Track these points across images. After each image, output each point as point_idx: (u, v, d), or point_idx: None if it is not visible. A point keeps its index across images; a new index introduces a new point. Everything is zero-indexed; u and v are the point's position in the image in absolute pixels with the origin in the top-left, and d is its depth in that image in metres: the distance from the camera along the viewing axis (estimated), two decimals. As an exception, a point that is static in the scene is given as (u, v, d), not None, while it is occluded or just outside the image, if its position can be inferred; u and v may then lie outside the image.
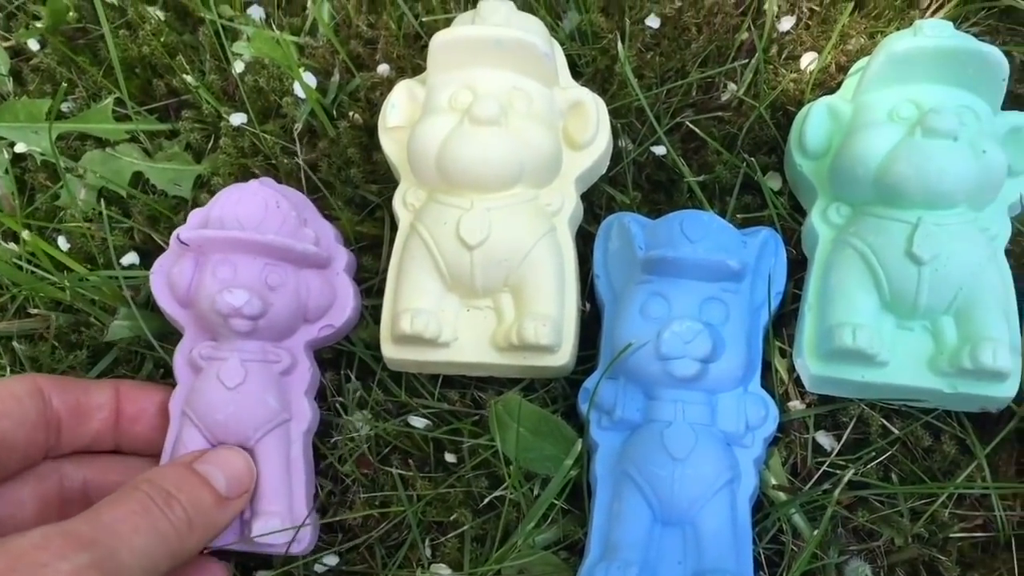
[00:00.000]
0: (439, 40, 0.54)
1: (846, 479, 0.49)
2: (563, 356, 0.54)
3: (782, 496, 0.52)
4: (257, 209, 0.53)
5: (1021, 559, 0.50)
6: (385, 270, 0.57)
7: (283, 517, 0.51)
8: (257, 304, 0.51)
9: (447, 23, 0.62)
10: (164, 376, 0.59)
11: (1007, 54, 0.56)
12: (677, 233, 0.52)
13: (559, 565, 0.52)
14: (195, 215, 0.55)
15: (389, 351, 0.55)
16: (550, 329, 0.52)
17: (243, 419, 0.51)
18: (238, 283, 0.51)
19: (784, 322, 0.56)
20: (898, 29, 0.62)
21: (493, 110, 0.52)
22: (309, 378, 0.54)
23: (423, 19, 0.64)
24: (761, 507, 0.52)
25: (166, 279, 0.54)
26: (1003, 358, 0.48)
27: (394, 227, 0.58)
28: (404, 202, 0.57)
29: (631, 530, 0.49)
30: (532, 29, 0.56)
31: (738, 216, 0.58)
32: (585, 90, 0.57)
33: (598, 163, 0.58)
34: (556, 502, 0.53)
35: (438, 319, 0.53)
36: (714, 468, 0.49)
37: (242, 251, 0.52)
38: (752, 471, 0.51)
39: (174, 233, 0.54)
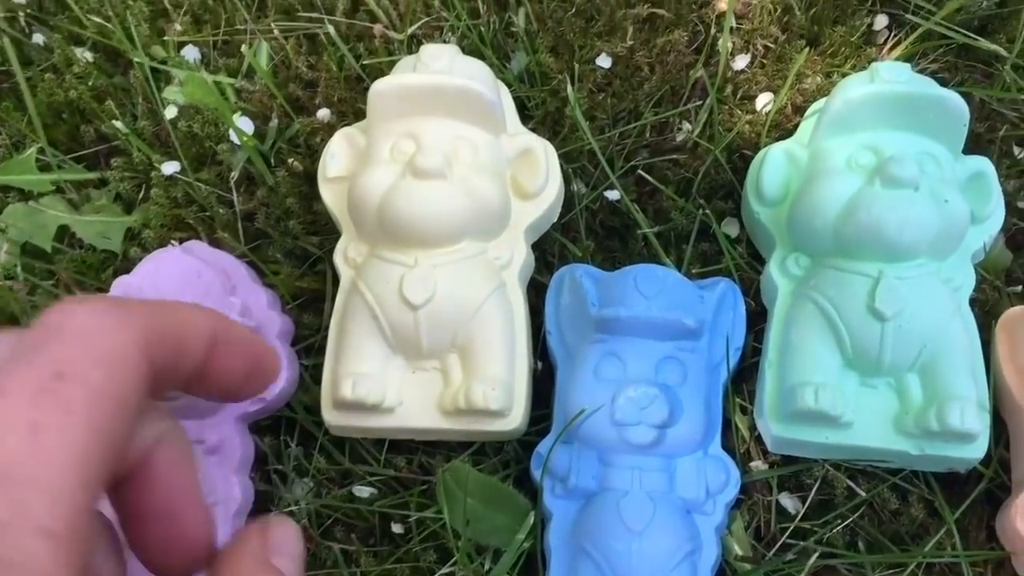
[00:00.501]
0: (378, 89, 0.51)
1: (812, 560, 0.46)
2: (514, 420, 0.51)
3: (746, 567, 0.49)
4: (177, 280, 0.50)
5: (993, 628, 0.48)
6: (327, 328, 0.54)
7: None
8: None
9: (390, 66, 0.60)
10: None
11: (966, 94, 0.54)
12: (631, 289, 0.50)
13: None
14: (118, 284, 0.52)
15: (330, 417, 0.52)
16: (500, 392, 0.50)
17: None
18: None
19: (744, 376, 0.54)
20: (854, 67, 0.60)
21: (436, 162, 0.49)
22: (239, 456, 0.51)
23: (365, 61, 0.61)
24: (723, 574, 0.50)
25: None
26: (971, 419, 0.46)
27: (336, 282, 0.55)
28: (345, 257, 0.54)
29: None
30: (477, 75, 0.53)
31: (696, 265, 0.56)
32: (534, 137, 0.54)
33: (549, 212, 0.55)
34: None
35: (382, 383, 0.50)
36: (674, 540, 0.47)
37: None
38: (713, 539, 0.48)
39: None
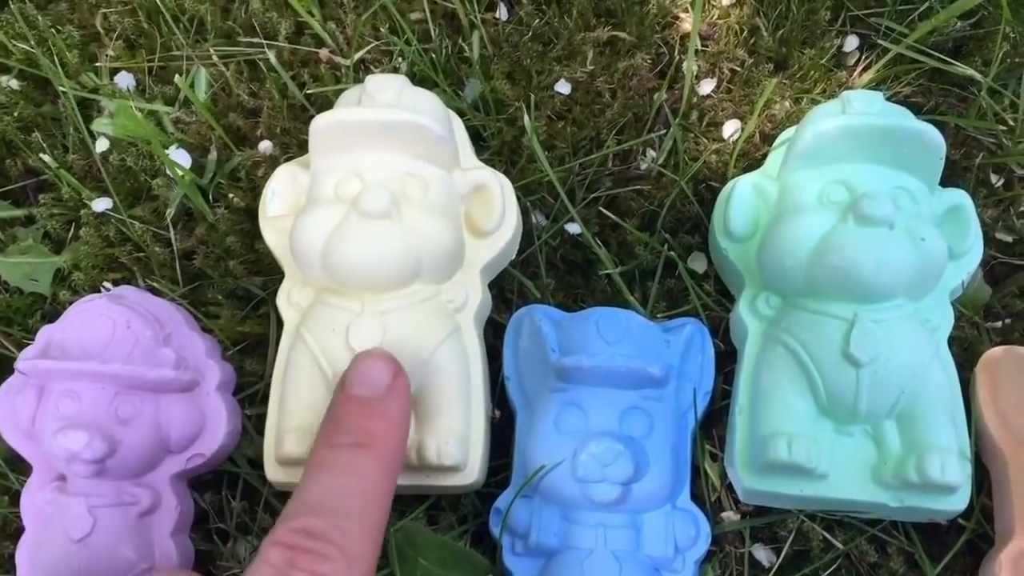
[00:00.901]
0: (319, 125, 0.47)
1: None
2: (471, 474, 0.48)
3: (717, 625, 0.47)
4: (103, 332, 0.46)
5: None
6: (271, 375, 0.50)
7: None
8: (100, 447, 0.44)
9: (336, 94, 0.56)
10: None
11: (940, 122, 0.52)
12: (593, 335, 0.47)
13: None
14: (43, 333, 0.48)
15: (275, 475, 0.48)
16: (454, 447, 0.46)
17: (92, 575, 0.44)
18: (81, 419, 0.45)
19: (714, 420, 0.51)
20: (824, 92, 0.58)
21: (382, 202, 0.46)
22: (176, 516, 0.48)
23: (309, 90, 0.58)
24: (695, 632, 0.47)
25: (10, 409, 0.47)
26: (952, 471, 0.43)
27: (280, 325, 0.51)
28: (289, 301, 0.50)
29: None
30: (427, 107, 0.50)
31: (662, 303, 0.53)
32: (488, 172, 0.51)
33: (506, 250, 0.52)
34: (467, 641, 0.47)
35: None
36: None
37: (87, 381, 0.45)
38: None
39: (20, 356, 0.47)
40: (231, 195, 0.56)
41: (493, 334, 0.53)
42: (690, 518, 0.47)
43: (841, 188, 0.47)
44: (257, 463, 0.50)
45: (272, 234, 0.51)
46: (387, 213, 0.46)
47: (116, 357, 0.46)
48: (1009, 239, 0.54)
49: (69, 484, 0.47)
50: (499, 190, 0.51)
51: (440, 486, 0.48)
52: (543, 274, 0.54)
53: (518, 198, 0.55)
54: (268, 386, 0.50)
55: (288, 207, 0.51)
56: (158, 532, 0.48)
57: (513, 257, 0.54)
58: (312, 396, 0.47)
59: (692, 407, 0.48)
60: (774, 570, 0.48)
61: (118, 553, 0.46)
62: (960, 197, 0.50)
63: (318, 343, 0.47)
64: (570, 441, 0.45)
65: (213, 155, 0.57)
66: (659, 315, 0.53)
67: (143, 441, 0.47)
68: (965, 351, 0.51)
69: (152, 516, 0.48)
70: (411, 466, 0.47)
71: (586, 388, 0.46)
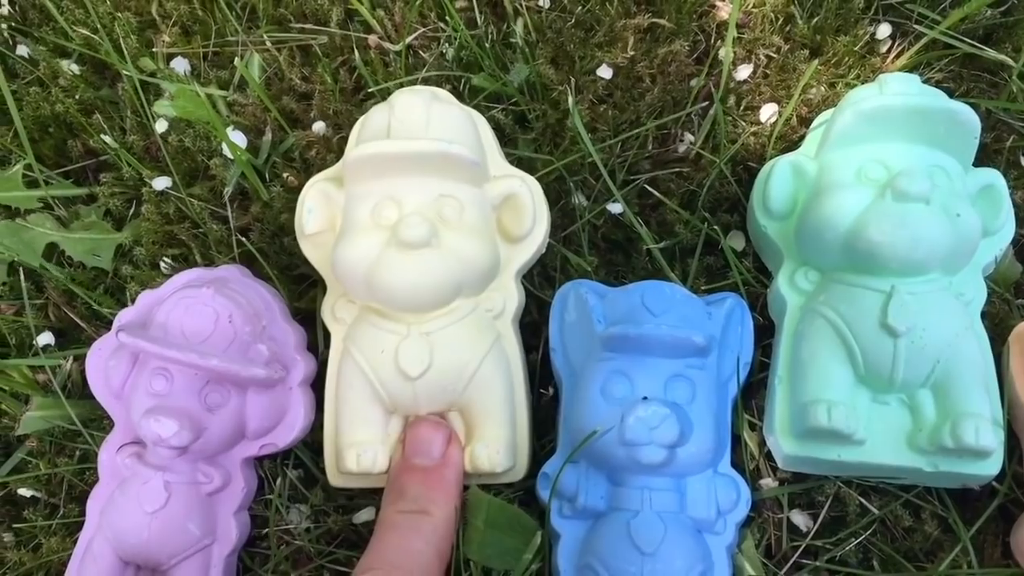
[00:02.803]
0: (355, 157, 0.48)
1: None
2: (519, 472, 0.51)
3: (758, 585, 0.49)
4: (206, 323, 0.48)
5: (1010, 647, 0.47)
6: (323, 362, 0.52)
7: None
8: (187, 436, 0.47)
9: (385, 77, 0.58)
10: (86, 471, 0.54)
11: (973, 106, 0.53)
12: (638, 306, 0.49)
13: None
14: (144, 297, 0.50)
15: (337, 482, 0.51)
16: (504, 455, 0.49)
17: (158, 546, 0.47)
18: (171, 402, 0.47)
19: (752, 392, 0.53)
20: (858, 77, 0.59)
21: (423, 233, 0.46)
22: (242, 497, 0.50)
23: (360, 72, 0.60)
24: (736, 593, 0.49)
25: (103, 366, 0.50)
26: (986, 436, 0.45)
27: (327, 333, 0.53)
28: (334, 315, 0.52)
29: None
30: (456, 125, 0.50)
31: (701, 280, 0.55)
32: (517, 180, 0.52)
33: (538, 252, 0.54)
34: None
35: (385, 451, 0.49)
36: (685, 561, 0.46)
37: (183, 366, 0.48)
38: (724, 559, 0.48)
39: (118, 318, 0.49)
40: (285, 174, 0.58)
41: (538, 311, 0.55)
42: (731, 483, 0.49)
43: (879, 166, 0.49)
44: (313, 447, 0.53)
45: (312, 250, 0.53)
46: (427, 243, 0.47)
47: (215, 349, 0.48)
48: (1039, 219, 0.55)
49: (148, 454, 0.49)
50: (529, 196, 0.51)
51: (488, 483, 0.51)
52: (586, 252, 0.56)
53: (562, 179, 0.58)
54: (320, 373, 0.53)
55: (325, 223, 0.52)
56: (223, 510, 0.50)
57: (543, 252, 0.55)
58: (366, 413, 0.50)
59: (734, 376, 0.50)
60: (811, 534, 0.50)
61: (186, 530, 0.48)
62: (993, 176, 0.51)
63: (368, 363, 0.49)
64: (616, 408, 0.47)
65: (268, 136, 0.59)
66: (700, 291, 0.54)
67: (224, 430, 0.49)
68: (996, 326, 0.52)
69: (220, 495, 0.50)
70: (465, 473, 0.49)
71: (632, 357, 0.48)
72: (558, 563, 0.48)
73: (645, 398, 0.47)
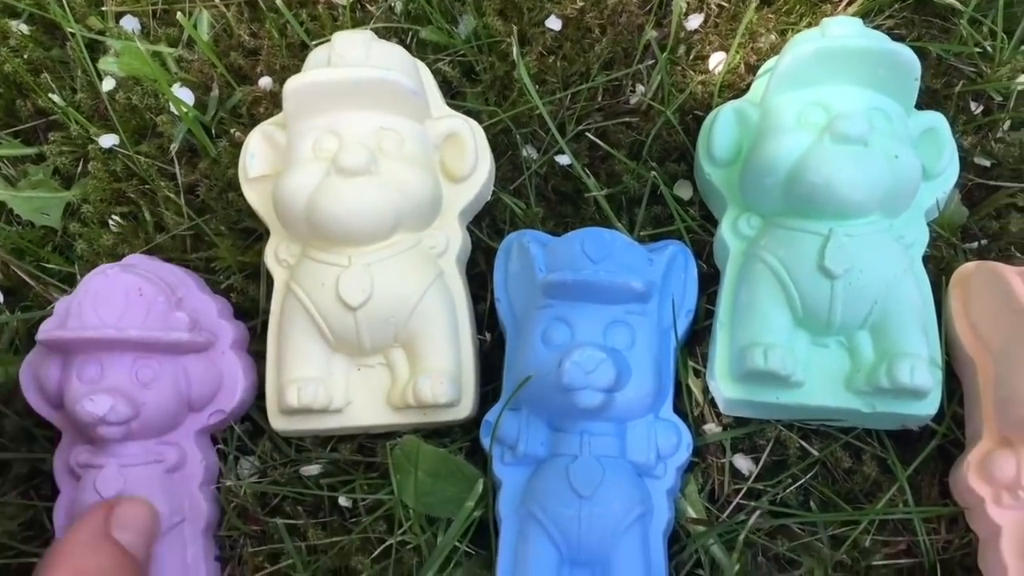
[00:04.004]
0: (292, 87, 0.48)
1: (753, 517, 0.46)
2: (464, 409, 0.50)
3: (699, 529, 0.49)
4: (117, 301, 0.48)
5: (947, 585, 0.47)
6: (266, 311, 0.53)
7: None
8: (123, 410, 0.46)
9: (333, 31, 0.58)
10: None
11: (921, 50, 0.53)
12: (578, 253, 0.49)
13: (466, 613, 0.49)
14: (59, 305, 0.50)
15: (279, 423, 0.51)
16: (447, 386, 0.49)
17: None
18: (104, 384, 0.47)
19: (698, 340, 0.53)
20: (809, 25, 0.59)
21: (361, 159, 0.47)
22: (203, 470, 0.50)
23: (308, 27, 0.60)
24: (678, 539, 0.49)
25: (34, 379, 0.50)
26: (921, 375, 0.45)
27: (270, 281, 0.53)
28: (277, 258, 0.52)
29: (537, 573, 0.46)
30: (395, 62, 0.51)
31: (647, 230, 0.55)
32: (460, 119, 0.53)
33: (481, 193, 0.54)
34: (459, 545, 0.49)
35: (327, 386, 0.49)
36: (623, 504, 0.46)
37: (107, 348, 0.48)
38: (665, 503, 0.48)
39: (39, 331, 0.49)
40: (233, 130, 0.58)
41: (485, 262, 0.55)
42: (672, 428, 0.49)
43: (819, 109, 0.49)
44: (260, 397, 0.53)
45: (254, 194, 0.53)
46: (366, 169, 0.48)
47: (132, 324, 0.48)
48: (987, 163, 0.55)
49: (99, 447, 0.49)
50: (471, 135, 0.52)
51: (436, 422, 0.50)
52: (533, 203, 0.56)
53: (509, 131, 0.57)
54: (264, 323, 0.53)
55: (267, 167, 0.52)
56: (186, 487, 0.50)
57: (489, 198, 0.55)
58: (308, 348, 0.50)
59: (674, 323, 0.50)
60: (753, 477, 0.50)
61: None
62: (935, 119, 0.51)
63: (309, 298, 0.49)
64: (556, 354, 0.47)
65: (215, 92, 0.59)
66: (646, 240, 0.54)
67: (164, 401, 0.49)
68: (942, 271, 0.52)
69: (179, 472, 0.50)
70: (408, 406, 0.49)
71: (572, 304, 0.48)
72: (500, 510, 0.48)
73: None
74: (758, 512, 0.46)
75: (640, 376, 0.47)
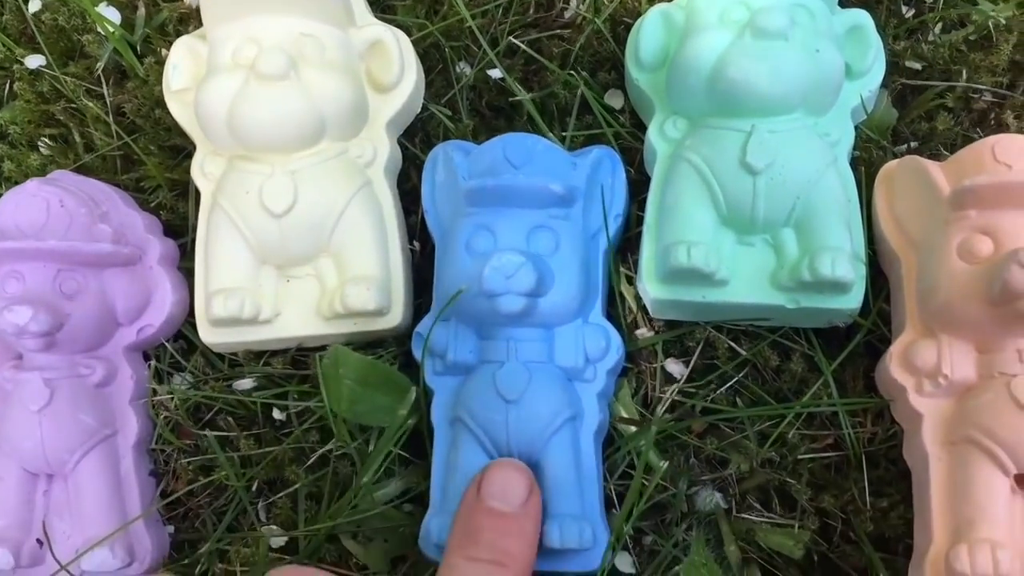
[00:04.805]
0: None
1: (670, 416, 0.46)
2: (395, 316, 0.50)
3: (631, 429, 0.49)
4: (38, 213, 0.48)
5: (872, 477, 0.47)
6: (194, 228, 0.52)
7: (115, 545, 0.48)
8: (44, 319, 0.46)
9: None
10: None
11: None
12: (500, 159, 0.48)
13: (400, 519, 0.49)
14: None
15: (207, 335, 0.50)
16: (375, 292, 0.49)
17: (54, 442, 0.47)
18: (26, 296, 0.46)
19: (632, 247, 0.53)
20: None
21: (280, 64, 0.47)
22: (133, 385, 0.50)
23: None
24: (613, 441, 0.50)
25: None
26: (842, 267, 0.45)
27: (197, 196, 0.53)
28: (203, 171, 0.52)
29: (467, 479, 0.46)
30: None
31: (580, 139, 0.55)
32: (383, 27, 0.52)
33: (410, 103, 0.54)
34: (394, 450, 0.49)
35: (254, 296, 0.49)
36: (550, 408, 0.46)
37: (28, 260, 0.47)
38: (596, 406, 0.48)
39: None
40: (160, 48, 0.57)
41: (418, 176, 0.55)
42: (600, 332, 0.49)
43: (741, 7, 0.49)
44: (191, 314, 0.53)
45: (178, 108, 0.52)
46: (285, 74, 0.47)
47: (53, 235, 0.48)
48: (918, 66, 0.55)
49: (25, 361, 0.49)
50: (395, 43, 0.52)
51: (368, 331, 0.50)
52: (464, 116, 0.56)
53: (440, 46, 0.57)
54: (193, 240, 0.52)
55: (191, 80, 0.52)
56: (117, 401, 0.50)
57: (419, 111, 0.55)
58: (233, 257, 0.50)
59: (603, 228, 0.50)
60: (684, 379, 0.50)
61: (78, 420, 0.48)
62: (860, 16, 0.51)
63: (234, 207, 0.49)
64: (481, 261, 0.46)
65: (141, 11, 0.58)
66: (575, 147, 0.54)
67: (89, 314, 0.49)
68: (872, 174, 0.52)
69: (110, 387, 0.50)
70: (337, 315, 0.49)
71: (494, 209, 0.48)
72: (433, 419, 0.49)
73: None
74: (679, 411, 0.47)
75: (565, 280, 0.47)
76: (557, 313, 0.47)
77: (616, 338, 0.49)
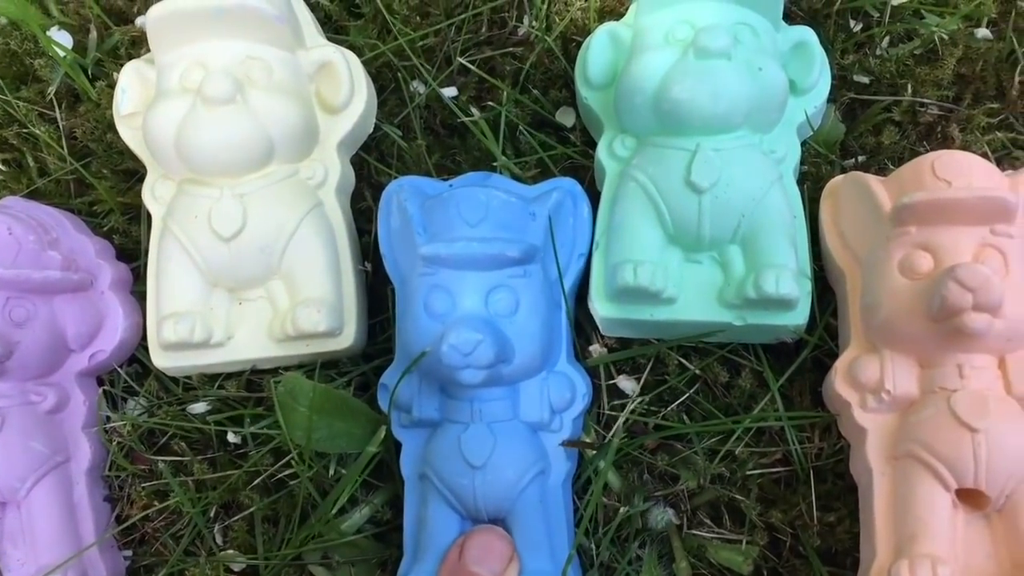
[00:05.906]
0: (154, 17, 0.48)
1: (613, 433, 0.46)
2: (348, 337, 0.50)
3: (590, 453, 0.49)
4: None
5: (820, 492, 0.48)
6: (147, 252, 0.52)
7: (69, 572, 0.48)
8: None
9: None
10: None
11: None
12: (455, 217, 0.47)
13: (367, 548, 0.49)
14: None
15: (160, 360, 0.51)
16: (326, 315, 0.49)
17: (5, 471, 0.47)
18: None
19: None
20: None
21: (225, 88, 0.47)
22: (86, 411, 0.50)
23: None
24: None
25: None
26: (786, 285, 0.46)
27: (149, 220, 0.53)
28: (153, 195, 0.52)
29: (438, 535, 0.46)
30: None
31: (532, 160, 0.55)
32: (332, 48, 0.52)
33: (361, 123, 0.54)
34: (360, 477, 0.49)
35: (205, 320, 0.49)
36: (517, 469, 0.46)
37: None
38: (564, 455, 0.48)
39: None
40: (112, 72, 0.57)
41: (372, 196, 0.55)
42: (565, 381, 0.48)
43: (686, 26, 0.49)
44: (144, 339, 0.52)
45: (128, 132, 0.52)
46: (231, 97, 0.47)
47: (1, 263, 0.48)
48: (866, 80, 0.55)
49: None
50: (345, 64, 0.52)
51: (320, 352, 0.50)
52: (419, 136, 0.56)
53: (391, 66, 0.57)
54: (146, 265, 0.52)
55: (140, 104, 0.52)
56: (69, 427, 0.50)
57: (371, 130, 0.55)
58: (184, 281, 0.50)
59: (568, 269, 0.49)
60: (635, 396, 0.51)
61: (28, 448, 0.48)
62: (804, 32, 0.51)
63: (184, 231, 0.49)
64: (439, 324, 0.45)
65: (93, 34, 0.58)
66: (529, 170, 0.54)
67: (39, 341, 0.49)
68: (820, 188, 0.53)
69: (62, 413, 0.50)
70: (288, 337, 0.49)
71: (452, 271, 0.46)
72: (403, 470, 0.49)
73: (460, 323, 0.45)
74: (630, 423, 0.47)
75: (526, 342, 0.46)
76: (520, 374, 0.47)
77: (582, 385, 0.49)
